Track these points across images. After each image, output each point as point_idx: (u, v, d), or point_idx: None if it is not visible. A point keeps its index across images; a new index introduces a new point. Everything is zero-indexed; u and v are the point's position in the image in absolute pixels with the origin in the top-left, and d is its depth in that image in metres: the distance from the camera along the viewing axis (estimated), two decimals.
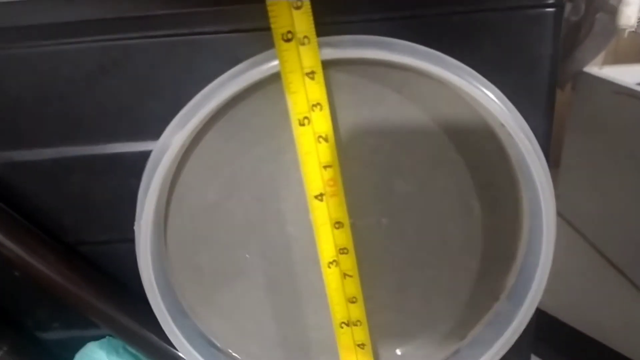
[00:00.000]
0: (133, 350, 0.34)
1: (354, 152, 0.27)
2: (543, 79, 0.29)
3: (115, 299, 0.33)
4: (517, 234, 0.28)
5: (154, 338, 0.32)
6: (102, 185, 0.31)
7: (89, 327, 0.35)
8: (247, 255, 0.28)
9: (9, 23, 0.28)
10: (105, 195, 0.31)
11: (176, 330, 0.27)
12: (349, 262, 0.27)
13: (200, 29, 0.28)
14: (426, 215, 0.28)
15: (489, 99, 0.23)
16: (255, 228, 0.28)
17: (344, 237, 0.27)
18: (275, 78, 0.25)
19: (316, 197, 0.26)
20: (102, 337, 0.35)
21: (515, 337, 0.28)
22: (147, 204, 0.25)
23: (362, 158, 0.27)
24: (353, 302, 0.28)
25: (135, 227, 0.26)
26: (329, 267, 0.27)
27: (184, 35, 0.28)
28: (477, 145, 0.26)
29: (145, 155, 0.26)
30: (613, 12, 0.66)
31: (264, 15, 0.24)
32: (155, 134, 0.26)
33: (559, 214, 0.26)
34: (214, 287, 0.29)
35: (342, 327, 0.28)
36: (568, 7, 0.64)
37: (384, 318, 0.29)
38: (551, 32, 0.28)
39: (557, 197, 0.26)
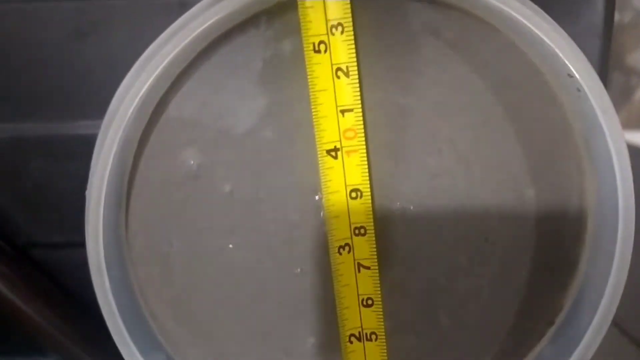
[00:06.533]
0: None
1: (377, 117, 0.21)
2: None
3: (65, 317, 0.29)
4: (580, 235, 0.22)
5: None
6: (64, 173, 0.27)
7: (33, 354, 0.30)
8: (230, 246, 0.22)
9: None
10: (67, 185, 0.27)
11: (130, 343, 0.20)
12: (366, 248, 0.21)
13: None
14: (465, 201, 0.22)
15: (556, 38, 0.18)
16: (245, 208, 0.22)
17: (362, 210, 0.20)
18: (276, 10, 0.20)
19: (329, 152, 0.20)
20: None
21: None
22: (100, 164, 0.19)
23: (388, 123, 0.21)
24: (368, 306, 0.21)
25: (87, 194, 0.20)
26: (340, 252, 0.21)
27: None
28: (533, 111, 0.21)
29: None
30: None
31: None
32: None
33: None
34: (184, 288, 0.22)
35: (351, 342, 0.21)
36: None
37: (403, 343, 0.22)
38: None
39: None
